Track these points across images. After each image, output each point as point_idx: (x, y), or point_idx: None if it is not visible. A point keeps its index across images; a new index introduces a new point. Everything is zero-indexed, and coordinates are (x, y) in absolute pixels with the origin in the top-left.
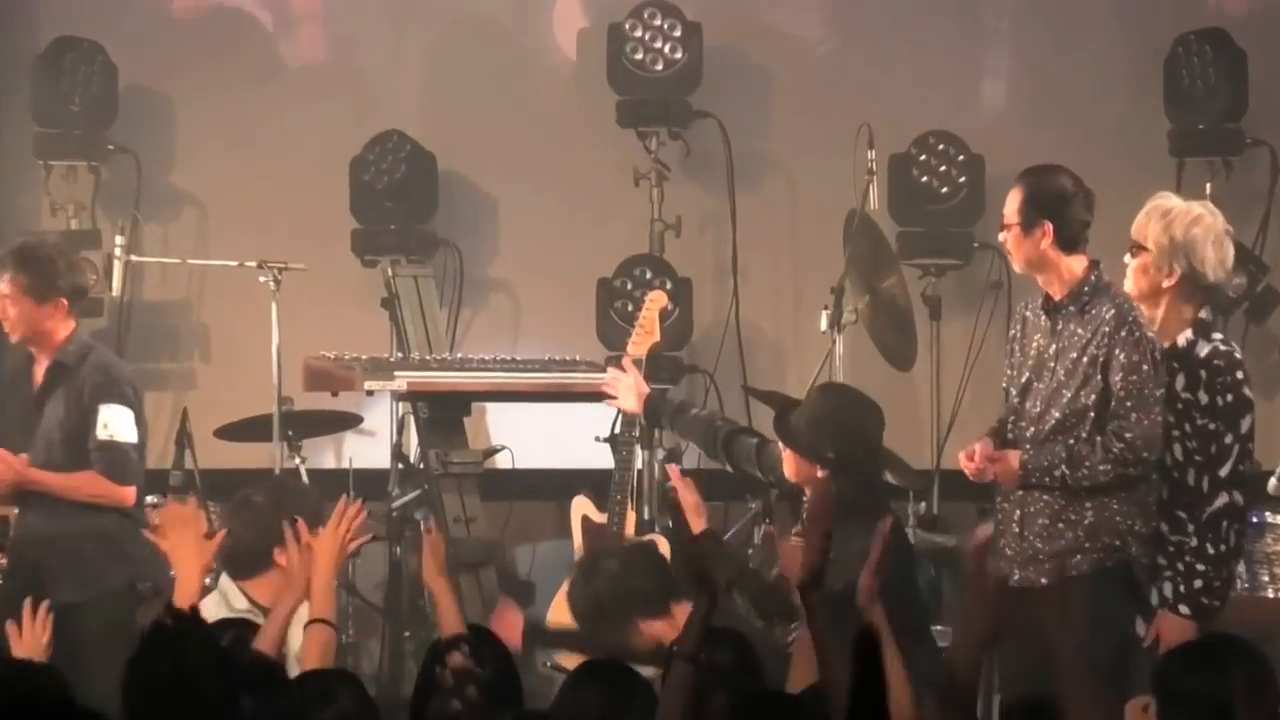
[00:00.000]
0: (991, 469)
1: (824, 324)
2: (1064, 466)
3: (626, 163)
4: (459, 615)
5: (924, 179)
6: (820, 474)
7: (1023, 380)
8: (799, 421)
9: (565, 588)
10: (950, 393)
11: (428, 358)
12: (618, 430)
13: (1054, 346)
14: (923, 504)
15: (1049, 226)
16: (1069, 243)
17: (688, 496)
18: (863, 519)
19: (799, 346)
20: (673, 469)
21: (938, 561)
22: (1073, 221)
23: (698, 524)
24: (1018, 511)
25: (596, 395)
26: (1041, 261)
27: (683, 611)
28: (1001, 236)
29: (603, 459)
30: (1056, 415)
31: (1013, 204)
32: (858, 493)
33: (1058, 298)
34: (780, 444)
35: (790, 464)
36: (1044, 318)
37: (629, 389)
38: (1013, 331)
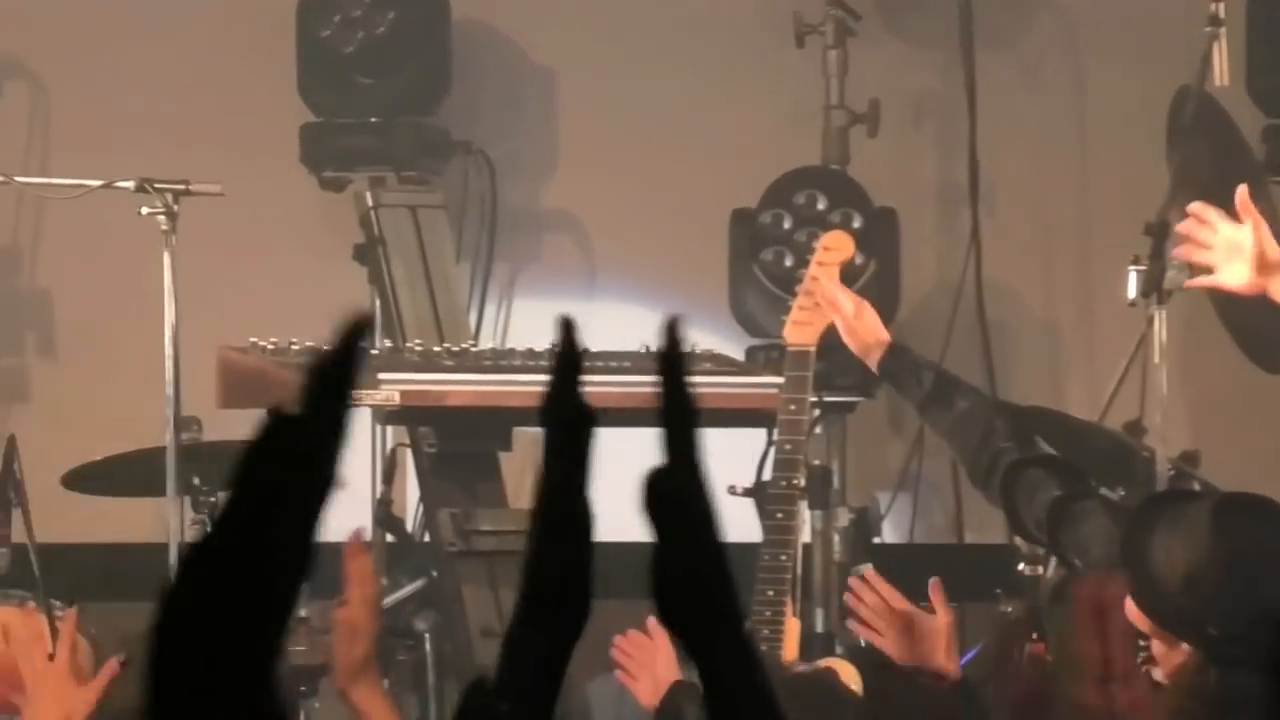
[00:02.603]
0: None
1: (1132, 289)
2: None
3: (783, 8)
4: None
5: None
6: (1184, 649)
7: None
8: (1170, 571)
9: None
10: None
11: (436, 349)
12: (768, 475)
13: None
14: None
15: None
16: None
17: (886, 614)
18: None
19: (1088, 329)
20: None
21: None
22: None
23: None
24: None
25: (736, 414)
26: None
27: None
28: None
29: (743, 525)
30: None
31: None
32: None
33: None
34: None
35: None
36: None
37: (856, 314)
38: None
